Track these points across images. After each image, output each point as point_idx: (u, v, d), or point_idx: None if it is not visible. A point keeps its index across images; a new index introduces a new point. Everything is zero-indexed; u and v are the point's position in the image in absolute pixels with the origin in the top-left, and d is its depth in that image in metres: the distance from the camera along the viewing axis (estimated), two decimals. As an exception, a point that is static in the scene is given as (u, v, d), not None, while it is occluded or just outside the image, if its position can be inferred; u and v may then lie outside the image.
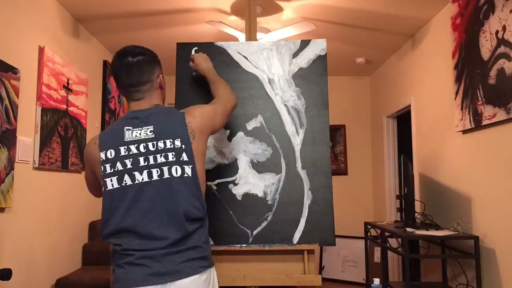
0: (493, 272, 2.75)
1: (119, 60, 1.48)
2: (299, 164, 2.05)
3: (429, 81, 3.74)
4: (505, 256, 2.63)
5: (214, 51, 2.16)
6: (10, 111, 2.59)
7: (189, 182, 1.40)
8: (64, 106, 3.37)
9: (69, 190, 3.51)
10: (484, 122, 2.76)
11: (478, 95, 2.84)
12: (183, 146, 1.41)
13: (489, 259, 2.78)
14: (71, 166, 3.47)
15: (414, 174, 4.02)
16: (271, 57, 2.15)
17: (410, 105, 4.21)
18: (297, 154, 2.06)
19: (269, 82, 2.13)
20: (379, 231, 3.44)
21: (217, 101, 1.69)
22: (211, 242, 1.98)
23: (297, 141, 2.07)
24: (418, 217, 3.69)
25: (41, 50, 3.00)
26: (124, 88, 1.50)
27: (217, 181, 2.05)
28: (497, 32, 2.64)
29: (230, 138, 2.08)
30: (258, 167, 2.05)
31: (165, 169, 1.39)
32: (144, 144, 1.40)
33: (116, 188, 1.39)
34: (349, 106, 5.63)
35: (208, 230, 1.49)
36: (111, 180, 1.39)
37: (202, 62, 1.90)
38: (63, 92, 3.34)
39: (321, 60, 2.13)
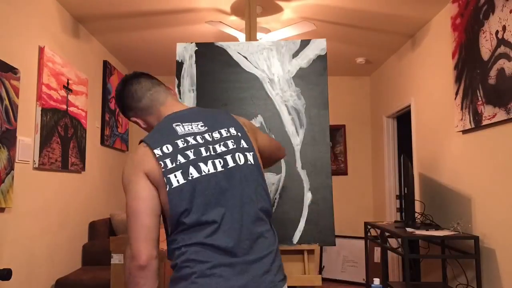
0: (493, 272, 2.75)
1: (131, 76, 1.45)
2: (299, 164, 2.05)
3: (429, 81, 3.74)
4: (505, 256, 2.63)
5: (214, 51, 2.16)
6: (10, 111, 2.59)
7: (253, 170, 1.28)
8: (64, 106, 3.37)
9: (69, 190, 3.51)
10: (484, 122, 2.76)
11: (478, 95, 2.84)
12: (239, 133, 1.32)
13: (489, 259, 2.78)
14: (71, 166, 3.47)
15: (414, 174, 4.02)
16: (271, 57, 2.15)
17: (410, 105, 4.21)
18: (297, 154, 2.06)
19: (269, 82, 2.13)
20: (379, 231, 3.44)
21: (274, 141, 1.60)
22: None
23: (297, 141, 2.07)
24: (418, 217, 3.69)
25: (41, 50, 3.00)
26: (144, 94, 1.40)
27: (217, 181, 2.05)
28: (497, 32, 2.64)
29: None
30: (258, 167, 2.05)
31: (228, 158, 1.25)
32: (200, 136, 1.28)
33: (183, 183, 1.20)
34: (349, 106, 5.63)
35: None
36: (175, 176, 1.20)
37: None
38: (63, 92, 3.34)
39: (321, 60, 2.13)
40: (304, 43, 2.15)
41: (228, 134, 1.30)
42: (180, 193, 1.19)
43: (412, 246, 4.50)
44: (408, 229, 3.06)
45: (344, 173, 5.52)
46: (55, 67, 3.19)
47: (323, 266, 5.19)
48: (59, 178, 3.33)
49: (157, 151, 1.23)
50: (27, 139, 2.83)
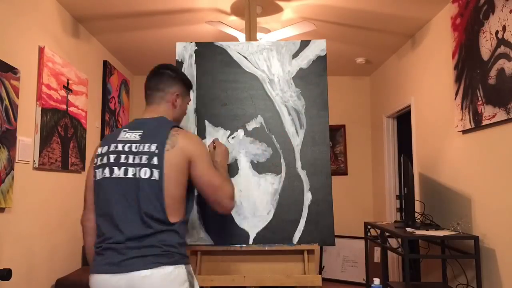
0: (493, 272, 2.75)
1: (153, 69, 1.73)
2: (299, 165, 2.05)
3: (429, 81, 3.74)
4: (505, 256, 2.63)
5: (214, 51, 2.16)
6: (10, 111, 2.59)
7: (154, 185, 1.48)
8: (64, 106, 3.37)
9: (69, 190, 3.52)
10: (484, 122, 2.76)
11: (478, 95, 2.84)
12: (156, 151, 1.51)
13: (489, 259, 2.78)
14: (71, 166, 3.48)
15: (414, 174, 4.02)
16: (271, 58, 2.15)
17: (410, 105, 4.21)
18: (297, 154, 2.06)
19: (269, 82, 2.13)
20: (379, 231, 3.44)
21: (223, 178, 1.64)
22: (210, 242, 1.98)
23: (297, 141, 2.07)
24: (418, 217, 3.70)
25: (41, 50, 3.00)
26: (145, 91, 1.72)
27: (217, 181, 2.05)
28: (497, 32, 2.64)
29: (230, 138, 2.08)
30: (258, 167, 2.05)
31: (137, 169, 1.51)
32: (129, 144, 1.55)
33: (101, 179, 1.54)
34: (349, 106, 5.63)
35: (176, 236, 1.53)
36: (99, 172, 1.55)
37: (219, 154, 1.82)
38: (63, 92, 3.34)
39: (321, 60, 2.13)
40: (304, 44, 2.16)
41: (148, 150, 1.52)
42: (98, 185, 1.59)
43: (412, 246, 4.50)
44: (408, 229, 3.06)
45: (344, 173, 5.52)
46: (55, 67, 3.19)
47: (323, 266, 5.19)
48: (59, 178, 3.33)
49: (99, 150, 1.60)
50: (27, 139, 2.83)
